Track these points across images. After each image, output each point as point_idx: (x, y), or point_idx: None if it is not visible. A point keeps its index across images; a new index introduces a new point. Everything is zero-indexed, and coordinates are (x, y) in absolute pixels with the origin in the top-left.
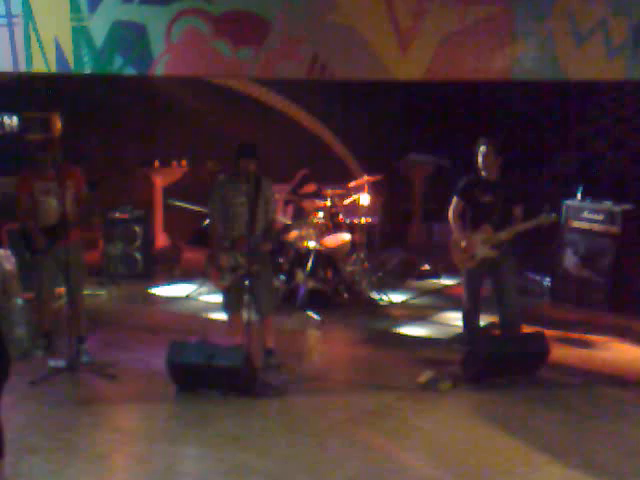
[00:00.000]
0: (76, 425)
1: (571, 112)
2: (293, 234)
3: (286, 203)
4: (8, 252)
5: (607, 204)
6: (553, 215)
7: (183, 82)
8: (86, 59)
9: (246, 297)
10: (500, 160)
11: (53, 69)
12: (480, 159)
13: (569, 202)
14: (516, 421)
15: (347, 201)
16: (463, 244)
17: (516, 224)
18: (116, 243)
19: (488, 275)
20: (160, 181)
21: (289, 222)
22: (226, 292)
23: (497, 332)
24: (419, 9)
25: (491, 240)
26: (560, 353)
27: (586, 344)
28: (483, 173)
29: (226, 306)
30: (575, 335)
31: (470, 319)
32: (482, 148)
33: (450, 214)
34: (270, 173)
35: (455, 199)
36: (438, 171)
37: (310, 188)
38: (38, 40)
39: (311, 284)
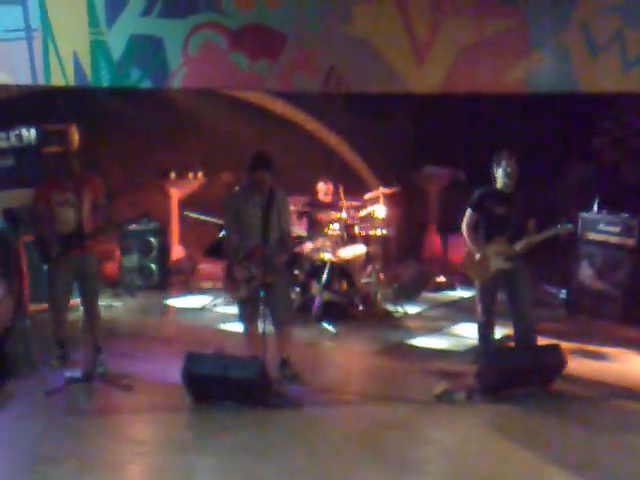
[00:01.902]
0: (92, 435)
1: (587, 124)
2: (308, 246)
3: (301, 215)
4: None
5: (623, 216)
6: (569, 225)
7: (200, 94)
8: (104, 72)
9: (262, 308)
10: (518, 172)
11: (71, 82)
12: (501, 171)
13: (585, 214)
14: (531, 433)
15: (363, 213)
16: (477, 256)
17: (530, 236)
18: (132, 255)
19: (503, 288)
20: (176, 193)
21: (304, 234)
22: (242, 303)
23: (512, 345)
24: (435, 22)
25: (506, 252)
26: (576, 365)
27: (602, 356)
28: (499, 185)
29: (242, 317)
30: (591, 347)
31: (485, 332)
32: (504, 161)
33: (464, 227)
34: (285, 185)
35: (469, 211)
36: (454, 183)
37: (327, 197)
38: (56, 53)
39: (326, 296)
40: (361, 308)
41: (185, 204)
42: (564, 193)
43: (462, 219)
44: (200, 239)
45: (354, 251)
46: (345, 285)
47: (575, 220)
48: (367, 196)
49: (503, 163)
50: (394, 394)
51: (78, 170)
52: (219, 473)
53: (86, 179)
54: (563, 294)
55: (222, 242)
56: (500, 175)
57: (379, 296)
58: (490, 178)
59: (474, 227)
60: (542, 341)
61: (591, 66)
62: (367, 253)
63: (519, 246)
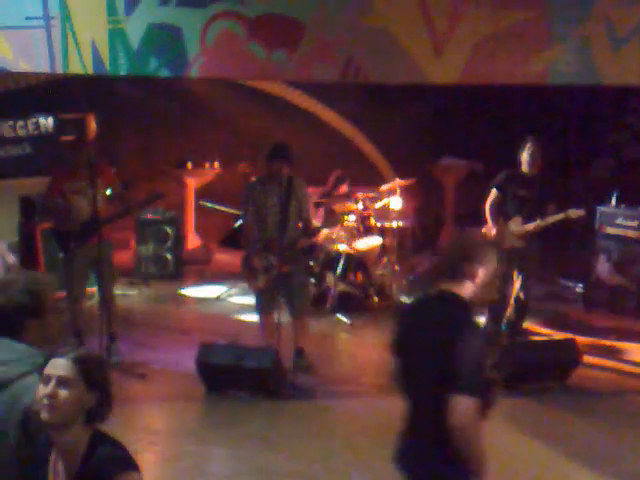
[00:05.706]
0: (105, 424)
1: (606, 117)
2: (324, 237)
3: (317, 206)
4: (4, 246)
5: None
6: (580, 210)
7: (217, 84)
8: (122, 61)
9: (279, 298)
10: (542, 160)
11: (89, 70)
12: (525, 154)
13: (603, 208)
14: (546, 428)
15: (379, 204)
16: (493, 232)
17: (544, 218)
18: (148, 244)
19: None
20: (192, 182)
21: (319, 225)
22: (259, 293)
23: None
24: (454, 13)
25: (519, 231)
26: (592, 360)
27: (618, 351)
28: (524, 168)
29: (259, 307)
30: (607, 342)
31: (496, 311)
32: (529, 144)
33: (487, 205)
34: (301, 175)
35: (493, 191)
36: (471, 175)
37: (342, 189)
38: (75, 42)
39: (341, 287)
40: (376, 300)
41: (201, 194)
42: (583, 187)
43: (483, 205)
44: (216, 229)
45: (369, 243)
46: (360, 277)
47: (593, 214)
48: (383, 187)
49: (528, 146)
50: None
51: (93, 159)
52: (232, 462)
53: (100, 168)
54: (580, 288)
55: (238, 232)
56: (524, 158)
57: (394, 288)
58: (509, 165)
59: (497, 206)
60: (558, 335)
61: (612, 58)
62: (382, 245)
63: (531, 226)
